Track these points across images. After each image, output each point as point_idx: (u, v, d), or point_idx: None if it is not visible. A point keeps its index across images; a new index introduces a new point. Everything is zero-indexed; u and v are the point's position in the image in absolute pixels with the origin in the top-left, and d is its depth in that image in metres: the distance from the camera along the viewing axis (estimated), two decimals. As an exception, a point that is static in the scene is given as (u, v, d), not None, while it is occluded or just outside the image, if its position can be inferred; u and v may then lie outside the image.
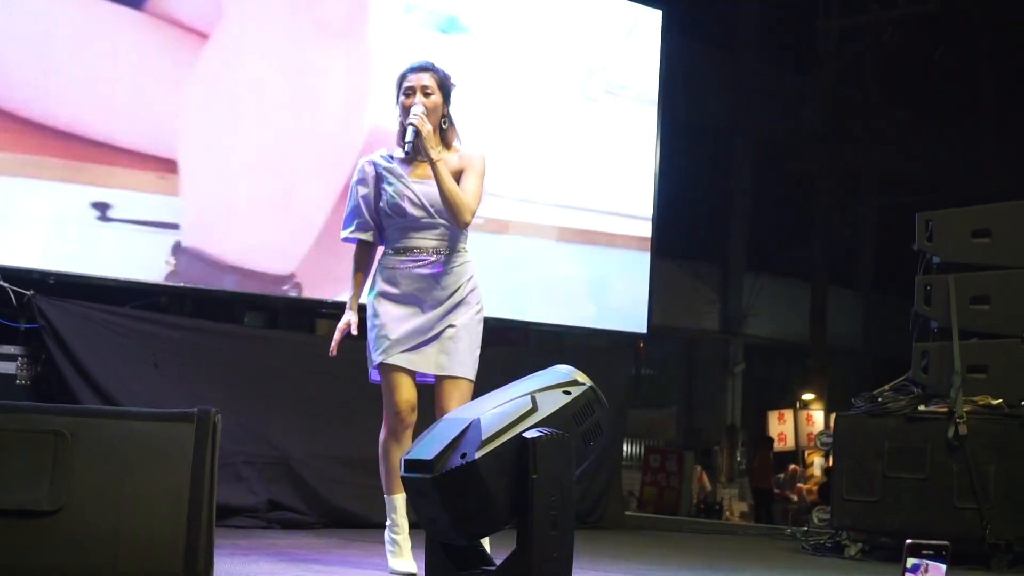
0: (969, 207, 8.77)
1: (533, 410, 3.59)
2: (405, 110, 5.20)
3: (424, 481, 3.59)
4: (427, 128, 5.11)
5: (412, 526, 5.13)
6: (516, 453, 3.44)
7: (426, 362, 5.15)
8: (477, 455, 3.48)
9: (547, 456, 3.41)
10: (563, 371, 3.87)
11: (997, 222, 8.33)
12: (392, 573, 5.05)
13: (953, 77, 26.62)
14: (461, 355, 5.18)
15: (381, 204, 5.22)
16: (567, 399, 3.71)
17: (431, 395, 5.23)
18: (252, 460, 7.72)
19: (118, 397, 7.18)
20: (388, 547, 5.16)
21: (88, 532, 2.95)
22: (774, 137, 24.82)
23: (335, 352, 5.25)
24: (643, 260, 9.93)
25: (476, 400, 4.05)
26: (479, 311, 5.29)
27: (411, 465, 3.72)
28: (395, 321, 5.14)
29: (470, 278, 5.28)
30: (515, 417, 3.55)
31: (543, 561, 3.39)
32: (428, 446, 3.68)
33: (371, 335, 5.22)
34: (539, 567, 3.39)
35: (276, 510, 7.70)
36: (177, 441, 3.09)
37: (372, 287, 5.28)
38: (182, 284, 7.90)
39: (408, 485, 3.74)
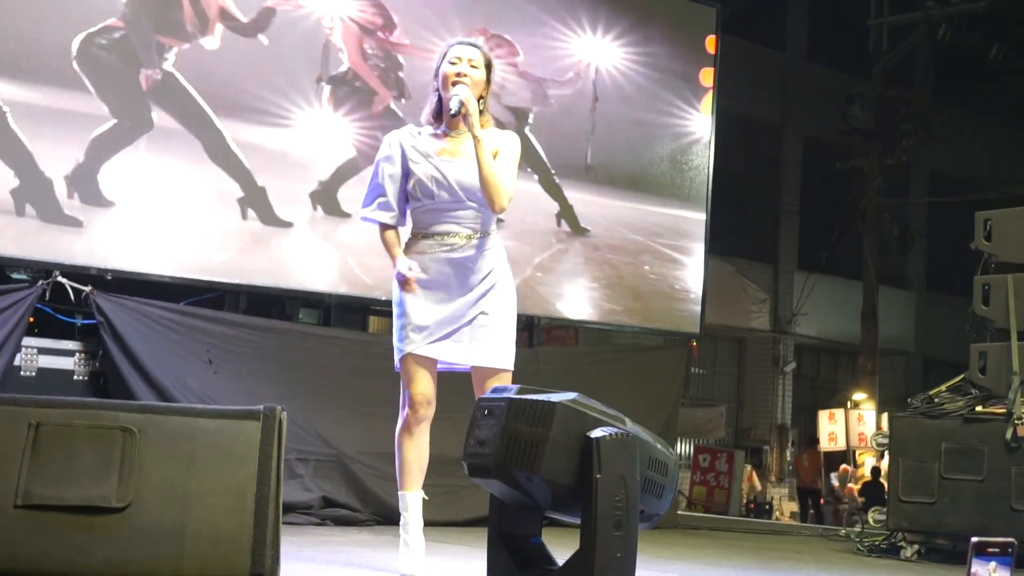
0: (1028, 206, 8.69)
1: (621, 420, 3.57)
2: (446, 79, 5.00)
3: (500, 400, 3.58)
4: (473, 100, 4.92)
5: (427, 524, 5.02)
6: (583, 445, 3.42)
7: (460, 351, 4.96)
8: (560, 401, 3.49)
9: (612, 456, 3.38)
10: (660, 438, 3.87)
11: (1056, 222, 8.26)
12: (401, 573, 4.89)
13: (1006, 75, 26.38)
14: (500, 344, 5.01)
15: (408, 185, 5.03)
16: (655, 444, 3.71)
17: (460, 382, 5.07)
18: (305, 457, 7.75)
19: (173, 393, 7.23)
20: (400, 546, 4.96)
21: (155, 528, 2.95)
22: (824, 136, 24.68)
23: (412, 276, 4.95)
24: (697, 259, 9.90)
25: None
26: (512, 296, 5.12)
27: (496, 389, 3.76)
28: (423, 309, 4.94)
29: (502, 261, 5.08)
30: (604, 411, 3.54)
31: (607, 562, 3.36)
32: (519, 387, 3.72)
33: (396, 324, 5.01)
34: (603, 568, 3.36)
35: (330, 507, 7.72)
36: (243, 438, 3.08)
37: (398, 274, 5.00)
38: (237, 282, 7.94)
39: (480, 403, 3.73)
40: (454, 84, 4.98)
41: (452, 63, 5.03)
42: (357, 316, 9.34)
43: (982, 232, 8.40)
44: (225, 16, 7.91)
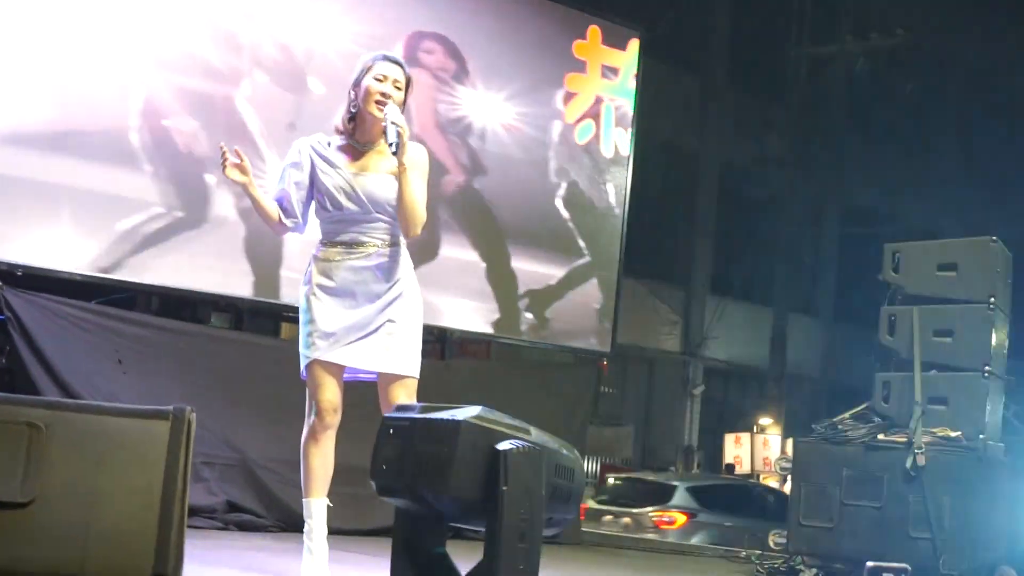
0: (936, 240, 8.85)
1: (526, 431, 3.59)
2: (369, 94, 5.02)
3: (404, 420, 3.60)
4: (406, 128, 4.96)
5: (331, 532, 5.04)
6: (490, 458, 3.44)
7: (366, 358, 4.98)
8: (465, 419, 3.50)
9: (518, 468, 3.41)
10: (566, 442, 3.89)
11: (963, 256, 8.40)
12: None
13: (919, 111, 26.84)
14: (406, 352, 5.04)
15: (316, 194, 5.06)
16: (559, 450, 3.73)
17: (366, 390, 5.11)
18: (211, 461, 7.70)
19: (81, 392, 7.16)
20: (304, 553, 4.96)
21: (59, 525, 2.93)
22: (740, 162, 24.94)
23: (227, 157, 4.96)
24: (610, 278, 9.97)
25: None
26: (418, 305, 5.15)
27: (400, 408, 3.76)
28: (330, 316, 4.97)
29: (408, 271, 5.13)
30: (509, 423, 3.56)
31: (510, 573, 3.39)
32: (425, 404, 3.73)
33: (303, 331, 5.03)
34: (505, 579, 3.39)
35: (234, 512, 7.69)
36: (151, 438, 3.07)
37: (305, 280, 5.08)
38: (149, 282, 7.88)
39: (386, 422, 3.74)
40: (378, 103, 5.02)
41: (378, 80, 5.06)
42: (269, 322, 9.31)
43: (890, 264, 8.53)
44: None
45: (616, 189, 10.06)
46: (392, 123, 4.92)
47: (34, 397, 3.11)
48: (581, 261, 9.86)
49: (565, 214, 9.79)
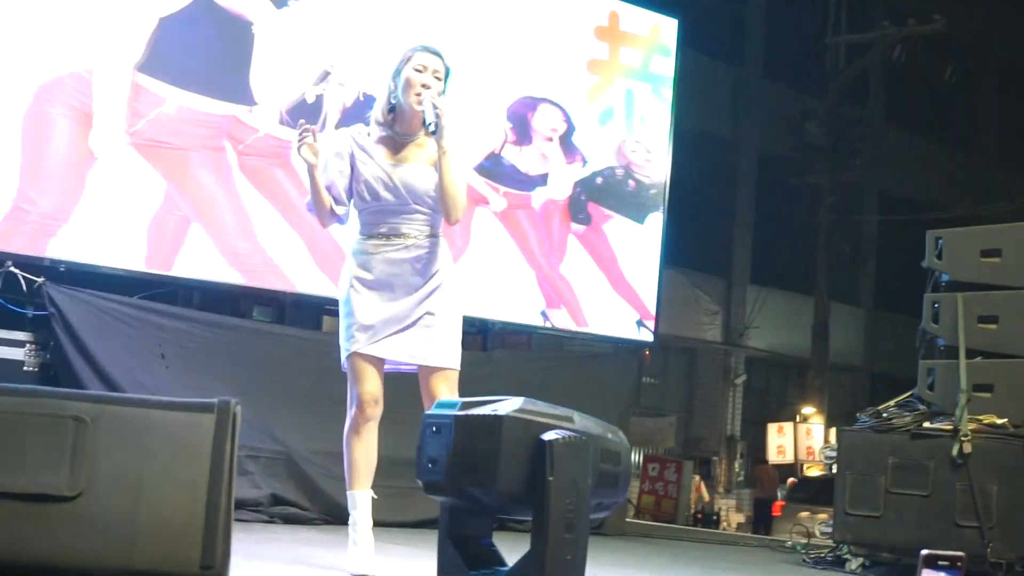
0: (979, 226, 8.77)
1: (570, 420, 3.57)
2: (410, 85, 5.00)
3: (445, 417, 3.58)
4: (445, 112, 4.94)
5: (376, 525, 5.05)
6: (535, 449, 3.42)
7: (406, 351, 4.99)
8: (507, 414, 3.47)
9: (564, 458, 3.39)
10: (610, 424, 3.85)
11: (1007, 242, 8.33)
12: (350, 574, 4.89)
13: (959, 98, 26.64)
14: (446, 344, 5.04)
15: (356, 185, 5.05)
16: (604, 435, 3.70)
17: (411, 383, 5.10)
18: (256, 454, 7.72)
19: (124, 386, 7.20)
20: (349, 545, 4.99)
21: (106, 518, 2.93)
22: (778, 152, 24.82)
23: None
24: (651, 268, 9.94)
25: None
26: (457, 296, 5.14)
27: (440, 405, 3.73)
28: (370, 309, 4.98)
29: (447, 262, 5.12)
30: (552, 412, 3.54)
31: (557, 564, 3.37)
32: (463, 400, 3.70)
33: (343, 323, 5.04)
34: (553, 570, 3.37)
35: (279, 505, 7.70)
36: (197, 431, 3.07)
37: (345, 273, 5.08)
38: (191, 276, 7.91)
39: (427, 419, 3.72)
40: (418, 94, 5.00)
41: (418, 70, 5.04)
42: (311, 315, 9.31)
43: (933, 250, 8.47)
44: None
45: (653, 178, 10.01)
46: (431, 104, 4.92)
47: (79, 391, 3.11)
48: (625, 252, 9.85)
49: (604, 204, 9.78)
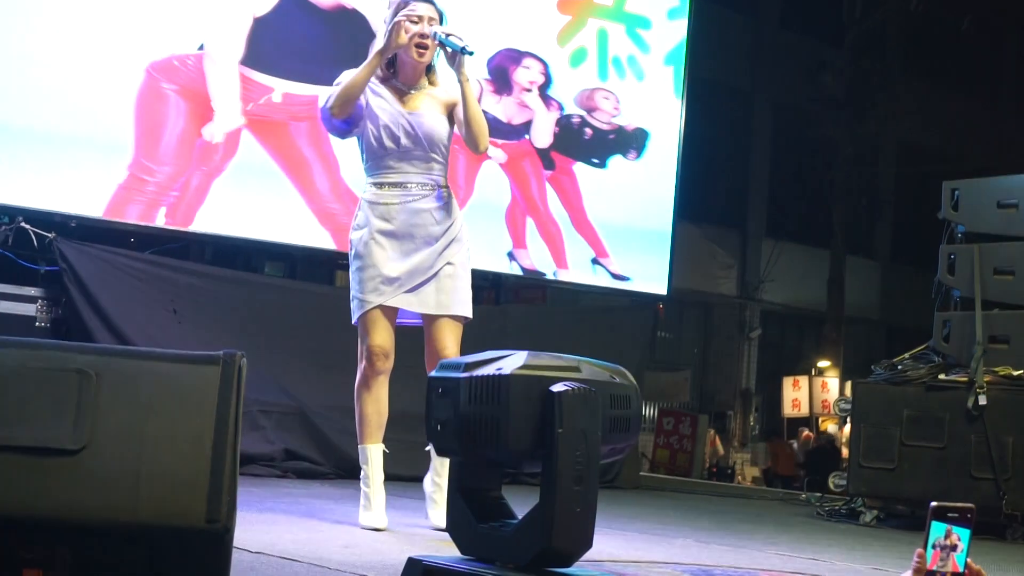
0: (995, 177, 8.72)
1: (576, 369, 3.53)
2: (401, 30, 4.94)
3: (451, 379, 3.55)
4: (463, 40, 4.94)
5: (388, 479, 5.09)
6: (543, 402, 3.39)
7: (424, 302, 4.99)
8: (512, 372, 3.44)
9: (574, 410, 3.36)
10: (616, 366, 3.81)
11: (1023, 193, 8.27)
12: (362, 527, 4.90)
13: (976, 49, 26.44)
14: (461, 293, 5.06)
15: (372, 130, 5.01)
16: (612, 379, 3.66)
17: (422, 337, 5.12)
18: (268, 409, 7.71)
19: (136, 341, 7.18)
20: (361, 499, 5.02)
21: (110, 472, 2.91)
22: (794, 104, 24.69)
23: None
24: (665, 222, 9.87)
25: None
26: (470, 248, 5.16)
27: (444, 366, 3.69)
28: (392, 260, 4.96)
29: (459, 213, 5.14)
30: (557, 363, 3.50)
31: (566, 516, 3.34)
32: (467, 358, 3.66)
33: (361, 275, 4.99)
34: (562, 522, 3.34)
35: (292, 459, 7.69)
36: (202, 384, 3.03)
37: (360, 225, 5.04)
38: (203, 231, 7.88)
39: (432, 382, 3.69)
40: (418, 46, 4.98)
41: (414, 22, 5.00)
42: (323, 270, 9.30)
43: (949, 202, 8.43)
44: None
45: (616, 123, 9.84)
46: (448, 35, 4.93)
47: (82, 344, 3.08)
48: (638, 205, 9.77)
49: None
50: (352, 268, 5.09)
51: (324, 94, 5.10)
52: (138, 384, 2.98)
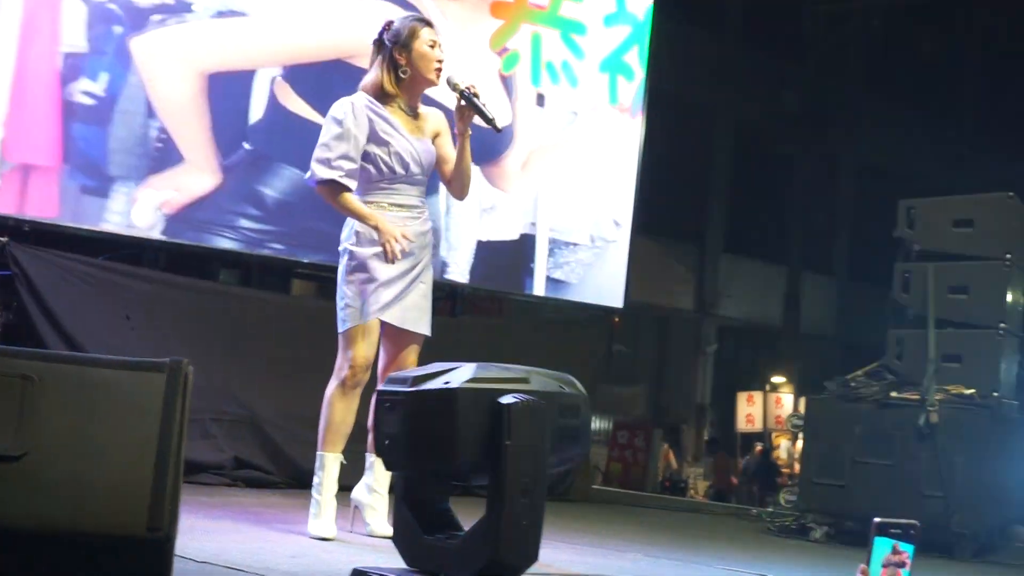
0: (951, 196, 8.78)
1: (525, 381, 3.54)
2: (428, 61, 5.13)
3: (399, 393, 3.55)
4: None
5: (342, 489, 5.08)
6: (492, 414, 3.39)
7: (409, 319, 5.13)
8: (460, 386, 3.44)
9: (522, 423, 3.36)
10: (565, 375, 3.82)
11: (979, 212, 8.35)
12: (311, 536, 4.90)
13: (936, 69, 26.65)
14: (427, 313, 5.22)
15: (382, 157, 5.08)
16: (561, 390, 3.67)
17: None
18: (219, 417, 7.66)
19: (88, 347, 7.11)
20: (311, 508, 5.02)
21: (52, 479, 2.89)
22: (755, 120, 24.79)
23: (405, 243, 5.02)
24: (623, 235, 9.87)
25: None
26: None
27: (392, 380, 3.69)
28: (393, 278, 5.05)
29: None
30: (506, 375, 3.51)
31: (512, 528, 3.35)
32: (415, 371, 3.66)
33: (363, 287, 5.02)
34: (508, 534, 3.35)
35: (242, 468, 7.64)
36: (147, 391, 3.02)
37: (364, 243, 5.04)
38: (157, 237, 7.82)
39: (381, 396, 3.69)
40: (438, 71, 5.16)
41: (431, 46, 5.16)
42: (279, 278, 9.27)
43: (904, 220, 8.48)
44: None
45: (627, 145, 9.89)
46: (475, 95, 5.09)
47: (26, 348, 3.05)
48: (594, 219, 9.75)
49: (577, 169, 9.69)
50: (349, 279, 5.10)
51: (319, 170, 5.08)
52: (82, 390, 2.96)
